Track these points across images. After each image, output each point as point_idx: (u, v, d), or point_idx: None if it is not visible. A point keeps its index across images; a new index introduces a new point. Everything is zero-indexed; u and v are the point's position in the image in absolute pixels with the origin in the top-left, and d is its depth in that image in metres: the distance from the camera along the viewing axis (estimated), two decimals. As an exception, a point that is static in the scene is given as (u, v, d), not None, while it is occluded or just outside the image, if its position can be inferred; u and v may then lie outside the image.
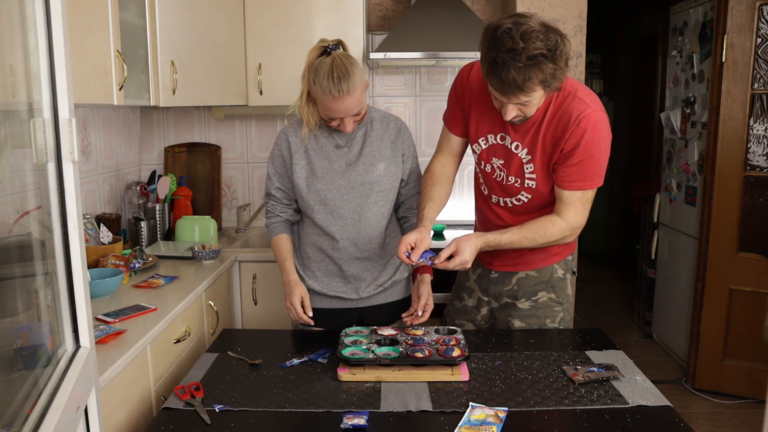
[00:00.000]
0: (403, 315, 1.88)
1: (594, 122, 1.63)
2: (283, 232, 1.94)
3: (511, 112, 1.60)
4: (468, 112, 1.80)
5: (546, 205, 1.78)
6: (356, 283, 1.92)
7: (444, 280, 2.72)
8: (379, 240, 1.89)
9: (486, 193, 1.88)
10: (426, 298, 1.86)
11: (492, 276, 1.93)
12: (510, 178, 1.77)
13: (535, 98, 1.57)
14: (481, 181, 1.88)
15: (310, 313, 1.86)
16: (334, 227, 1.85)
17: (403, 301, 2.01)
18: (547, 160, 1.70)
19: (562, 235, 1.74)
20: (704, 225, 3.24)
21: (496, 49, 1.47)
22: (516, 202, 1.81)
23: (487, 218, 1.92)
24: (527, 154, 1.71)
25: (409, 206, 1.98)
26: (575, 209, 1.71)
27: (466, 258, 1.67)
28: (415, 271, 1.95)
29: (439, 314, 2.66)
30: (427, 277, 1.91)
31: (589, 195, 1.72)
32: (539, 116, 1.67)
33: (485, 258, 1.93)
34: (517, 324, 1.92)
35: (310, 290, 1.92)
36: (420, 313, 1.84)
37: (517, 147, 1.73)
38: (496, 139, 1.76)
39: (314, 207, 1.84)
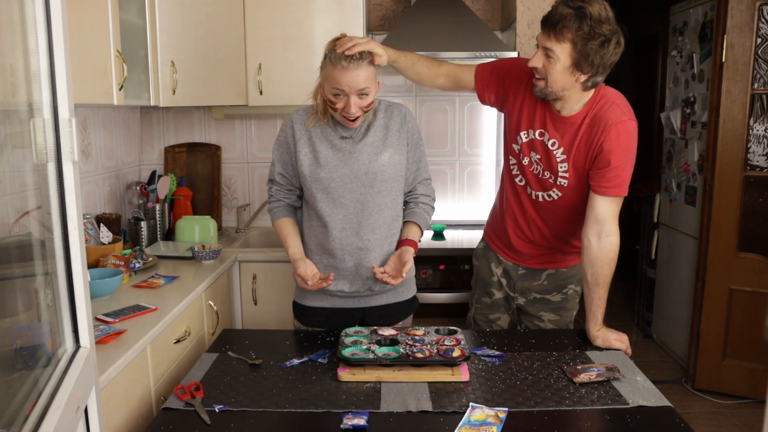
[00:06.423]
0: (376, 267, 1.82)
1: (629, 130, 1.74)
2: (285, 216, 1.94)
3: (537, 58, 1.69)
4: (514, 96, 1.88)
5: (569, 207, 1.86)
6: (357, 277, 1.89)
7: (456, 279, 2.73)
8: (381, 230, 1.86)
9: (522, 184, 1.92)
10: (409, 266, 1.82)
11: (520, 272, 1.99)
12: (545, 173, 1.84)
13: (560, 59, 1.65)
14: (517, 173, 1.93)
15: (326, 276, 1.82)
16: (336, 216, 1.83)
17: (405, 302, 1.98)
18: (581, 162, 1.78)
19: (618, 244, 1.80)
20: (704, 225, 3.24)
21: None
22: (547, 198, 1.88)
23: (512, 210, 1.96)
24: (563, 153, 1.79)
25: (412, 192, 1.96)
26: (614, 219, 1.80)
27: (622, 338, 1.78)
28: (400, 243, 1.91)
29: (460, 314, 2.63)
30: (412, 249, 1.88)
31: (619, 202, 1.81)
32: (579, 119, 1.76)
33: (515, 257, 1.97)
34: (549, 317, 1.99)
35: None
36: (403, 275, 1.81)
37: (554, 144, 1.80)
38: (535, 134, 1.84)
39: (317, 195, 1.84)
